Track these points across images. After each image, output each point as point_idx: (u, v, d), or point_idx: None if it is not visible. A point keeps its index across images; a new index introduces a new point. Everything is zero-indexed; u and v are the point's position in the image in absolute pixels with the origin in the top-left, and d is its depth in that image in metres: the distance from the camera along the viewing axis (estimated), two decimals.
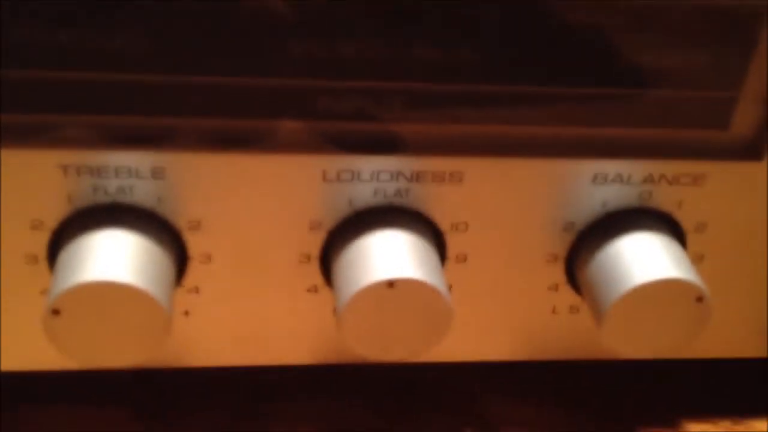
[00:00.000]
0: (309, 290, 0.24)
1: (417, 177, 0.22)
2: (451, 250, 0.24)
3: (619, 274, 0.23)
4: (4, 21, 0.18)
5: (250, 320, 0.24)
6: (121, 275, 0.20)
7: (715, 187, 0.24)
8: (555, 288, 0.25)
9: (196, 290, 0.24)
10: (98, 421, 0.26)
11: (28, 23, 0.19)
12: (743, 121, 0.23)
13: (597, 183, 0.23)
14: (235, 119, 0.21)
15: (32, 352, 0.24)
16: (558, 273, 0.25)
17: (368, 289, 0.21)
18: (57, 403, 0.26)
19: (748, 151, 0.23)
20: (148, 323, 0.21)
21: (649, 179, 0.24)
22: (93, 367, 0.22)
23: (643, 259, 0.23)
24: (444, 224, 0.23)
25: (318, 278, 0.24)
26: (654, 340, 0.24)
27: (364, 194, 0.22)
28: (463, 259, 0.24)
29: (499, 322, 0.26)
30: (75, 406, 0.26)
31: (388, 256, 0.22)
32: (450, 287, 0.25)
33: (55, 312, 0.20)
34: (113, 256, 0.20)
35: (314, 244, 0.23)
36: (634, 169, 0.23)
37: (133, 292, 0.20)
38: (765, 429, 0.28)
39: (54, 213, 0.21)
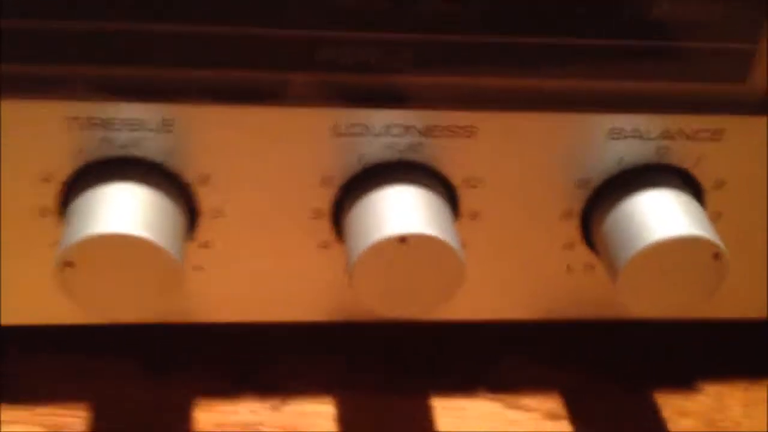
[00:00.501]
0: (320, 246, 0.24)
1: (429, 131, 0.22)
2: (464, 206, 0.24)
3: (636, 230, 0.23)
4: None
5: (261, 276, 0.24)
6: (133, 228, 0.20)
7: (733, 143, 0.23)
8: (570, 246, 0.25)
9: (207, 245, 0.23)
10: (104, 372, 0.26)
11: None
12: (761, 74, 0.22)
13: (613, 138, 0.23)
14: (244, 71, 0.20)
15: (40, 305, 0.24)
16: (573, 230, 0.25)
17: (380, 245, 0.21)
18: (64, 353, 0.26)
19: (766, 105, 0.23)
20: (161, 276, 0.21)
21: (666, 134, 0.23)
22: (105, 321, 0.22)
23: (659, 215, 0.23)
24: (456, 179, 0.23)
25: (329, 234, 0.24)
26: (670, 297, 0.23)
27: (376, 149, 0.22)
28: (475, 215, 0.24)
29: (513, 280, 0.26)
30: (81, 357, 0.26)
31: (400, 211, 0.21)
32: (463, 245, 0.24)
33: (68, 264, 0.20)
34: (125, 209, 0.20)
35: (325, 199, 0.23)
36: (651, 123, 0.23)
37: (145, 244, 0.20)
38: None
39: (64, 166, 0.21)
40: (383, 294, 0.22)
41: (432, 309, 0.22)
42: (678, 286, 0.23)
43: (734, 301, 0.27)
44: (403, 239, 0.21)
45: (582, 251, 0.25)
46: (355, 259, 0.21)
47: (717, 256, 0.23)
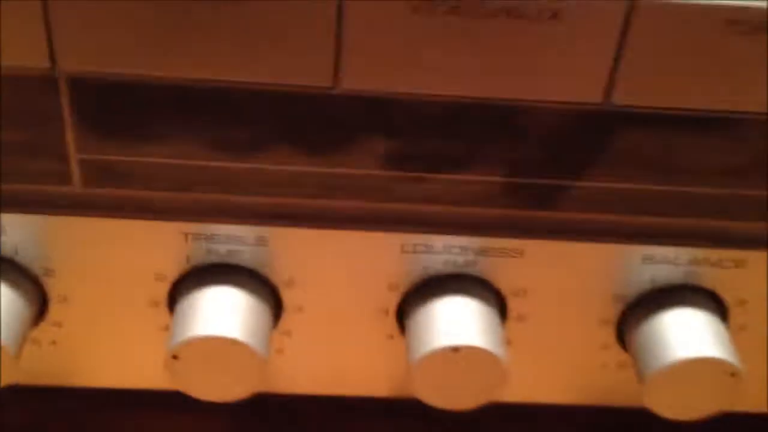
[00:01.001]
0: (387, 337, 0.28)
1: (483, 252, 0.26)
2: (512, 311, 0.27)
3: (662, 346, 0.26)
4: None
5: (334, 360, 0.28)
6: (227, 330, 0.24)
7: (754, 270, 0.26)
8: (606, 347, 0.28)
9: (289, 333, 0.27)
10: (202, 429, 0.30)
11: (165, 120, 0.23)
12: None
13: (646, 263, 0.26)
14: (333, 201, 0.24)
15: (148, 371, 0.28)
16: (609, 335, 0.28)
17: (435, 353, 0.24)
18: (173, 413, 0.30)
19: None
20: (250, 367, 0.25)
21: (693, 262, 0.26)
22: (204, 399, 0.26)
23: (684, 334, 0.26)
24: (506, 290, 0.27)
25: (394, 329, 0.27)
26: (690, 405, 0.26)
27: (437, 264, 0.26)
28: (522, 318, 0.27)
29: (553, 371, 0.29)
30: (188, 417, 0.30)
31: (455, 322, 0.25)
32: (510, 342, 0.28)
33: (175, 357, 0.24)
34: (221, 312, 0.24)
35: (391, 301, 0.27)
36: (680, 253, 0.26)
37: (236, 344, 0.24)
38: None
39: (175, 268, 0.25)
40: (437, 390, 0.25)
41: (478, 403, 0.26)
42: (698, 396, 0.26)
43: (757, 396, 0.30)
44: (456, 349, 0.24)
45: (616, 351, 0.28)
46: (414, 362, 0.25)
47: (734, 374, 0.26)
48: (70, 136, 0.22)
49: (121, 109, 0.22)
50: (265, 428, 0.31)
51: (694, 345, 0.26)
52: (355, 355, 0.28)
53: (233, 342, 0.24)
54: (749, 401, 0.30)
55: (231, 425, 0.31)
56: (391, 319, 0.27)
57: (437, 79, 0.21)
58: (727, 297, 0.27)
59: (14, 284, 0.25)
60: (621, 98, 0.22)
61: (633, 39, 0.21)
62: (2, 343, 0.24)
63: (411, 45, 0.21)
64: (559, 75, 0.22)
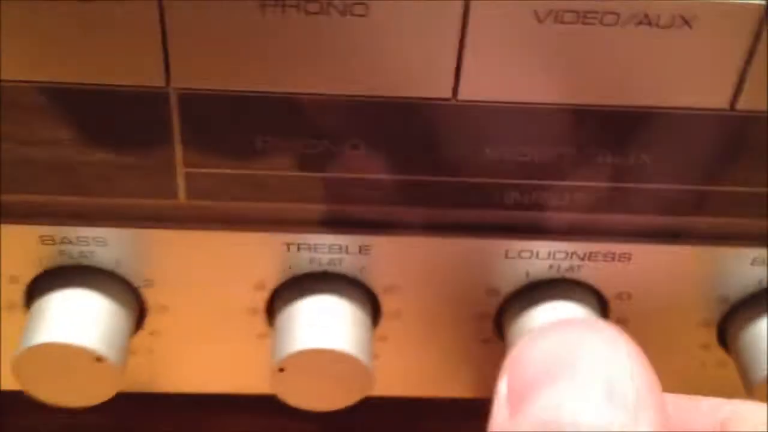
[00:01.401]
0: (483, 341, 0.27)
1: (588, 257, 0.25)
2: (614, 314, 0.27)
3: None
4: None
5: (428, 364, 0.28)
6: (334, 342, 0.24)
7: None
8: (706, 347, 0.28)
9: (385, 339, 0.27)
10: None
11: (268, 133, 0.22)
12: None
13: (755, 265, 0.26)
14: (436, 209, 0.24)
15: (242, 377, 0.28)
16: (710, 335, 0.27)
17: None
18: (259, 415, 0.30)
19: None
20: (356, 377, 0.24)
21: None
22: (309, 409, 0.25)
23: None
24: (609, 294, 0.26)
25: (492, 333, 0.27)
26: None
27: (540, 270, 0.25)
28: (624, 321, 0.27)
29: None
30: (276, 419, 0.30)
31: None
32: None
33: (281, 369, 0.24)
34: (327, 323, 0.24)
35: (491, 306, 0.26)
36: None
37: (343, 356, 0.24)
38: None
39: (275, 278, 0.25)
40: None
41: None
42: None
43: None
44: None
45: (716, 351, 0.28)
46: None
47: None
48: (178, 151, 0.22)
49: (227, 123, 0.22)
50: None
51: None
52: (451, 358, 0.28)
53: (341, 354, 0.24)
54: None
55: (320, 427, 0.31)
56: (488, 323, 0.27)
57: (560, 88, 0.21)
58: None
59: (115, 296, 0.25)
60: (746, 104, 0.21)
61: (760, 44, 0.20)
62: (104, 356, 0.24)
63: (530, 54, 0.20)
64: (687, 82, 0.21)
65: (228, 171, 0.23)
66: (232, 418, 0.30)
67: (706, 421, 0.19)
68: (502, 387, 0.16)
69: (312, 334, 0.24)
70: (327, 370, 0.24)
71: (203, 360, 0.28)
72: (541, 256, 0.25)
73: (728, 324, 0.27)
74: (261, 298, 0.26)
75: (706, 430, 0.18)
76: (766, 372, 0.25)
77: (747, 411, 0.18)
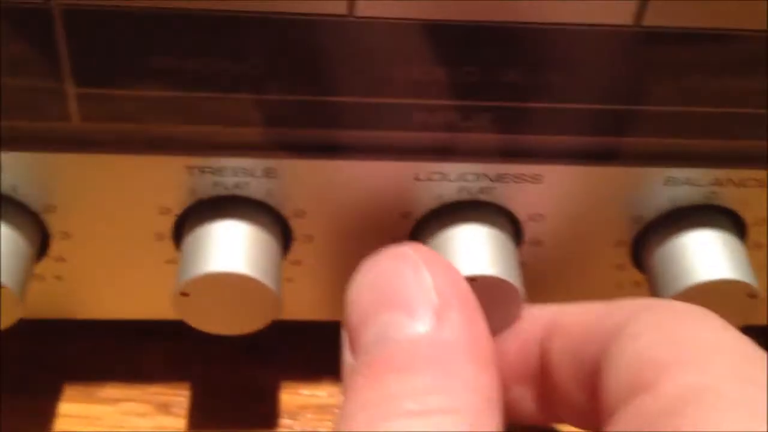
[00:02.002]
0: None
1: (500, 178, 0.25)
2: (528, 236, 0.26)
3: (681, 269, 0.25)
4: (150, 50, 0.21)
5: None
6: (237, 266, 0.23)
7: None
8: (621, 267, 0.28)
9: (298, 263, 0.27)
10: (206, 356, 0.30)
11: (164, 51, 0.21)
12: None
13: (668, 185, 0.25)
14: (344, 131, 0.23)
15: (154, 303, 0.27)
16: (625, 255, 0.28)
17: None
18: (171, 341, 0.30)
19: None
20: (262, 303, 0.24)
21: (716, 183, 0.25)
22: (212, 332, 0.25)
23: (703, 257, 0.25)
24: (522, 216, 0.26)
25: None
26: None
27: (452, 192, 0.25)
28: (538, 243, 0.27)
29: (569, 293, 0.28)
30: (188, 344, 0.30)
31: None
32: (525, 264, 0.27)
33: (184, 294, 0.23)
34: (231, 247, 0.24)
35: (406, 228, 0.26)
36: (702, 174, 0.25)
37: (248, 279, 0.23)
38: None
39: (180, 202, 0.24)
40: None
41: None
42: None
43: None
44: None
45: (631, 271, 0.28)
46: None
47: (752, 295, 0.25)
48: (66, 72, 0.21)
49: (118, 41, 0.21)
50: (273, 360, 0.30)
51: (713, 267, 0.25)
52: None
53: (245, 278, 0.23)
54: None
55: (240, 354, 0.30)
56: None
57: (462, 4, 0.20)
58: (747, 216, 0.26)
59: (14, 222, 0.24)
60: (651, 19, 0.21)
61: None
62: (3, 283, 0.23)
63: None
64: None
65: (122, 92, 0.22)
66: (149, 343, 0.30)
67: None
68: (343, 334, 0.19)
69: (214, 258, 0.23)
70: (231, 294, 0.24)
71: (113, 286, 0.27)
72: (452, 178, 0.25)
73: (642, 244, 0.27)
74: (167, 222, 0.25)
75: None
76: (674, 290, 0.25)
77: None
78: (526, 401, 0.22)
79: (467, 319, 0.18)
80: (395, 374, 0.17)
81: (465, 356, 0.18)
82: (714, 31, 0.22)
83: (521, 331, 0.23)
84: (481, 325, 0.19)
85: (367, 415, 0.17)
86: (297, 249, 0.26)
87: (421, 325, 0.18)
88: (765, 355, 0.17)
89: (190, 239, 0.24)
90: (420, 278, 0.19)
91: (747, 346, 0.18)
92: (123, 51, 0.21)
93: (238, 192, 0.24)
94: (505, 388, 0.20)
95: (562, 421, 0.23)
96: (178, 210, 0.25)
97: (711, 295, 0.25)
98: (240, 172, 0.24)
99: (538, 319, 0.22)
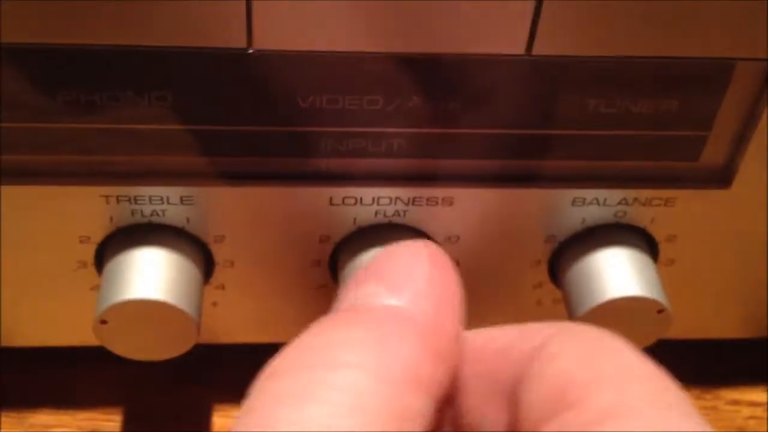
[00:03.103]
0: (319, 287, 0.28)
1: (413, 201, 0.25)
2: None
3: (592, 287, 0.26)
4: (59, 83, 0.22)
5: (267, 310, 0.28)
6: (154, 293, 0.24)
7: (684, 208, 0.27)
8: (539, 285, 0.29)
9: (222, 287, 0.27)
10: (138, 381, 0.30)
11: (76, 86, 0.22)
12: (712, 154, 0.25)
13: (576, 205, 0.26)
14: (259, 159, 0.24)
15: (82, 329, 0.28)
16: (542, 273, 0.28)
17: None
18: (103, 365, 0.30)
19: (717, 180, 0.26)
20: (181, 329, 0.24)
21: (623, 202, 0.26)
22: (135, 359, 0.26)
23: (613, 275, 0.26)
24: (438, 237, 0.27)
25: (328, 278, 0.27)
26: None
27: (368, 216, 0.26)
28: (455, 263, 0.27)
29: (491, 313, 0.29)
30: (120, 368, 0.30)
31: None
32: None
33: (103, 322, 0.24)
34: (148, 275, 0.24)
35: (325, 252, 0.27)
36: (609, 194, 0.26)
37: (165, 306, 0.24)
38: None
39: (99, 230, 0.25)
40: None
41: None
42: (630, 332, 0.27)
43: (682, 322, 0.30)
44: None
45: (550, 288, 0.29)
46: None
47: (661, 311, 0.26)
48: None
49: (32, 77, 0.21)
50: (206, 384, 0.31)
51: (624, 285, 0.26)
52: (289, 304, 0.28)
53: (161, 304, 0.24)
54: (676, 327, 0.30)
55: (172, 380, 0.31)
56: (324, 270, 0.27)
57: (359, 36, 0.21)
58: (657, 233, 0.27)
59: None
60: (540, 49, 0.22)
61: None
62: None
63: (322, 5, 0.20)
64: (484, 30, 0.21)
65: (37, 125, 0.23)
66: (81, 369, 0.30)
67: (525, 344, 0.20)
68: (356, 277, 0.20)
69: (130, 285, 0.24)
70: (149, 321, 0.24)
71: (42, 313, 0.28)
72: (366, 202, 0.25)
73: (557, 262, 0.28)
74: (88, 250, 0.26)
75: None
76: (587, 307, 0.26)
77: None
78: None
79: (440, 312, 0.19)
80: (342, 326, 0.18)
81: (413, 334, 0.18)
82: (602, 59, 0.22)
83: None
84: (451, 324, 0.19)
85: (294, 357, 0.17)
86: (220, 273, 0.27)
87: (395, 300, 0.19)
88: (675, 383, 0.18)
89: (108, 267, 0.25)
90: (417, 268, 0.19)
91: (657, 371, 0.18)
92: (34, 86, 0.22)
93: (156, 219, 0.25)
94: None
95: None
96: (98, 238, 0.25)
97: (621, 312, 0.26)
98: (156, 200, 0.24)
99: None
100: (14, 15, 0.20)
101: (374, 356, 0.17)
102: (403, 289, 0.19)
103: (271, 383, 0.17)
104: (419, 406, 0.17)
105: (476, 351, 0.21)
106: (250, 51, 0.21)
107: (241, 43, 0.21)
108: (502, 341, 0.21)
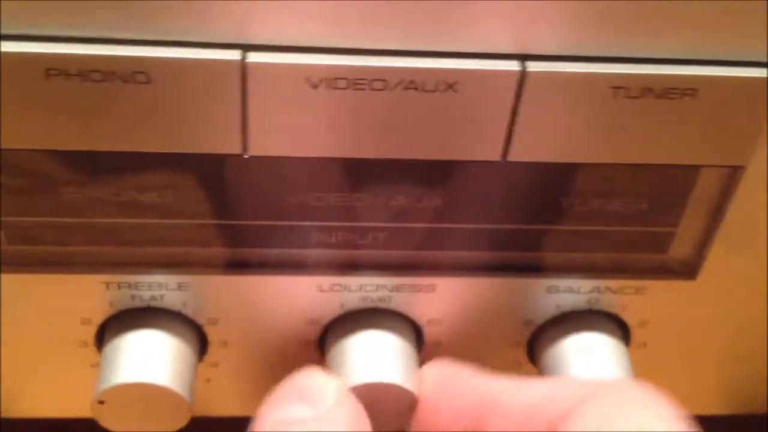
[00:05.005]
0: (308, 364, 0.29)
1: (396, 288, 0.27)
2: (428, 337, 0.29)
3: (562, 371, 0.28)
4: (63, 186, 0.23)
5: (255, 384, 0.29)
6: (149, 376, 0.25)
7: (654, 296, 0.28)
8: (518, 364, 0.30)
9: (216, 365, 0.29)
10: None
11: (78, 184, 0.24)
12: (680, 248, 0.27)
13: (551, 293, 0.28)
14: (250, 249, 0.26)
15: (84, 402, 0.29)
16: (521, 354, 0.30)
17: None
18: None
19: (684, 271, 0.28)
20: (175, 408, 0.26)
21: (595, 290, 0.28)
22: None
23: (583, 359, 0.28)
24: (421, 320, 0.28)
25: (317, 357, 0.29)
26: None
27: (354, 300, 0.27)
28: (438, 344, 0.29)
29: None
30: None
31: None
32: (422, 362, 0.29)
33: (101, 402, 0.25)
34: (144, 358, 0.26)
35: (314, 333, 0.28)
36: (582, 283, 0.28)
37: (159, 388, 0.25)
38: None
39: (100, 314, 0.27)
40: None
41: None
42: None
43: None
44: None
45: (528, 367, 0.30)
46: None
47: None
48: None
49: (35, 177, 0.23)
50: None
51: (592, 369, 0.27)
52: (279, 380, 0.29)
53: (154, 386, 0.25)
54: None
55: None
56: (312, 349, 0.29)
57: (341, 144, 0.23)
58: (629, 319, 0.29)
59: None
60: (516, 156, 0.23)
61: (525, 104, 0.22)
62: None
63: (309, 114, 0.22)
64: (461, 138, 0.23)
65: (43, 219, 0.24)
66: None
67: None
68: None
69: (126, 368, 0.25)
70: (144, 400, 0.25)
71: (45, 388, 0.29)
72: (353, 289, 0.27)
73: (535, 343, 0.29)
74: (89, 331, 0.27)
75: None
76: None
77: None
78: None
79: (354, 418, 0.22)
80: None
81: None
82: (573, 165, 0.24)
83: (455, 398, 0.24)
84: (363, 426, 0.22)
85: None
86: (213, 352, 0.28)
87: (314, 411, 0.22)
88: None
89: (107, 349, 0.26)
90: (323, 386, 0.23)
91: None
92: (40, 184, 0.23)
93: (154, 304, 0.26)
94: None
95: None
96: (98, 320, 0.27)
97: None
98: (155, 286, 0.26)
99: (471, 389, 0.24)
100: (25, 122, 0.22)
101: None
102: (317, 402, 0.23)
103: None
104: None
105: (503, 405, 0.22)
106: (246, 156, 0.23)
107: (237, 149, 0.22)
108: (528, 400, 0.22)
